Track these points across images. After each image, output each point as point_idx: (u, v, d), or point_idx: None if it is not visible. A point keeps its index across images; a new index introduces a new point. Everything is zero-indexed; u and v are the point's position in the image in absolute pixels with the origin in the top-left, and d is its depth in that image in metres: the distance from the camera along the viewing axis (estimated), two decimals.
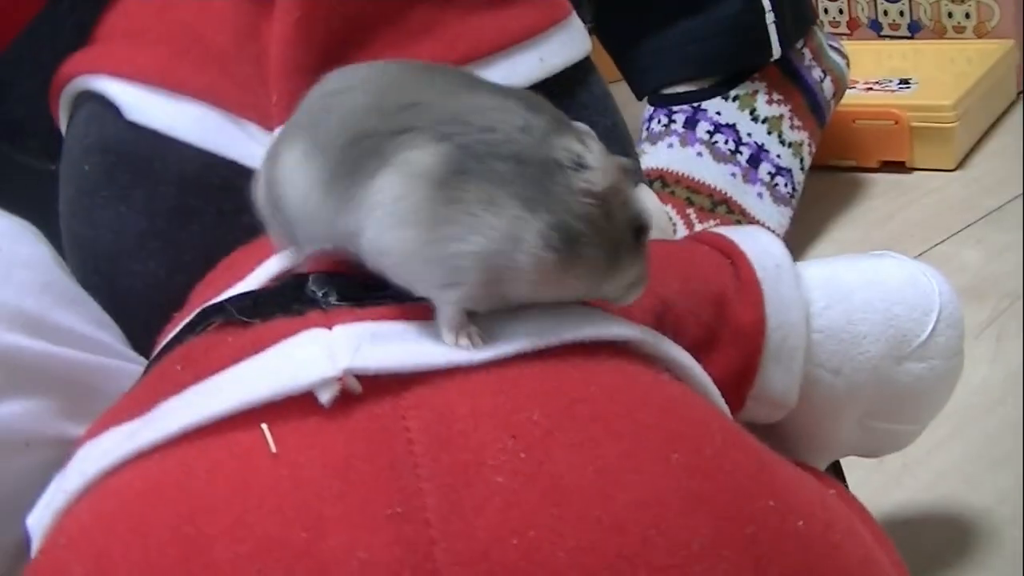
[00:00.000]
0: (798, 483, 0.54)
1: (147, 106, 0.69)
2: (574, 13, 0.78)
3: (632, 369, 0.53)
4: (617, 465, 0.47)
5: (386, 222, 0.51)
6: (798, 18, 1.38)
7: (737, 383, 0.66)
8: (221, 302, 0.57)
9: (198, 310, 0.58)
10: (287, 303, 0.53)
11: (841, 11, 1.98)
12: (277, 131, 0.65)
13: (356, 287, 0.54)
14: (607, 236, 0.52)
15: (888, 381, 0.71)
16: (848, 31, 1.98)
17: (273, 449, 0.47)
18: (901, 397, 0.72)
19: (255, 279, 0.59)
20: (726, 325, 0.65)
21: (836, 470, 0.81)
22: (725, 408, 0.59)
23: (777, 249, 0.69)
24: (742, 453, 0.51)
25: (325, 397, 0.48)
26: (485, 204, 0.50)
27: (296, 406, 0.48)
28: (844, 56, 1.49)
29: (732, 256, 0.67)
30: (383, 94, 0.54)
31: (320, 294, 0.54)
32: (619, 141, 0.77)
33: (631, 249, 0.54)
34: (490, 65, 0.70)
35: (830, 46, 1.47)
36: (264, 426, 0.48)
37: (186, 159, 0.67)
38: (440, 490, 0.45)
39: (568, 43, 0.75)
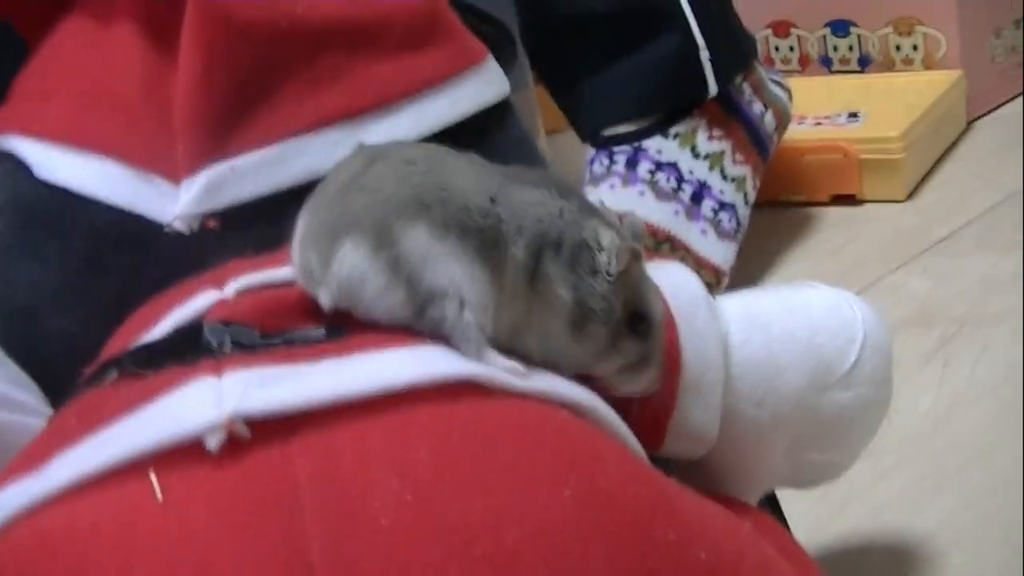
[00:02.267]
0: (704, 514, 0.54)
1: (55, 163, 0.69)
2: (490, 57, 0.78)
3: (527, 407, 0.52)
4: (507, 501, 0.47)
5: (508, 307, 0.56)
6: (736, 54, 1.38)
7: (655, 419, 0.65)
8: (118, 355, 0.57)
9: (97, 365, 0.58)
10: (181, 353, 0.53)
11: (792, 48, 1.99)
12: (186, 183, 0.65)
13: (252, 335, 0.54)
14: (613, 318, 0.58)
15: (813, 412, 0.70)
16: (800, 68, 1.99)
17: (160, 497, 0.47)
18: (828, 427, 0.71)
19: (160, 330, 0.59)
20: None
21: (772, 502, 0.80)
22: (636, 446, 0.59)
23: (692, 283, 0.69)
24: (640, 485, 0.51)
25: (212, 443, 0.47)
26: (547, 284, 0.56)
27: (185, 454, 0.48)
28: (786, 89, 1.50)
29: None
30: (470, 177, 0.57)
31: (215, 343, 0.53)
32: None
33: (625, 332, 0.59)
34: (399, 111, 0.70)
35: (771, 80, 1.47)
36: (152, 474, 0.47)
37: (95, 215, 0.67)
38: (325, 534, 0.45)
39: (481, 88, 0.75)
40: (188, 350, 0.53)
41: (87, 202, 0.67)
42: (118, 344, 0.62)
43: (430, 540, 0.45)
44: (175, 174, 0.66)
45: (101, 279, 0.67)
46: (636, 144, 1.34)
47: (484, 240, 0.54)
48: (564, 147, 1.66)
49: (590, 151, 1.38)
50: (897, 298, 1.32)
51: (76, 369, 0.63)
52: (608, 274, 0.57)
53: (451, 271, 0.53)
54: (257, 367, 0.51)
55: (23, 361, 0.71)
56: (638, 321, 0.59)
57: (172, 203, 0.65)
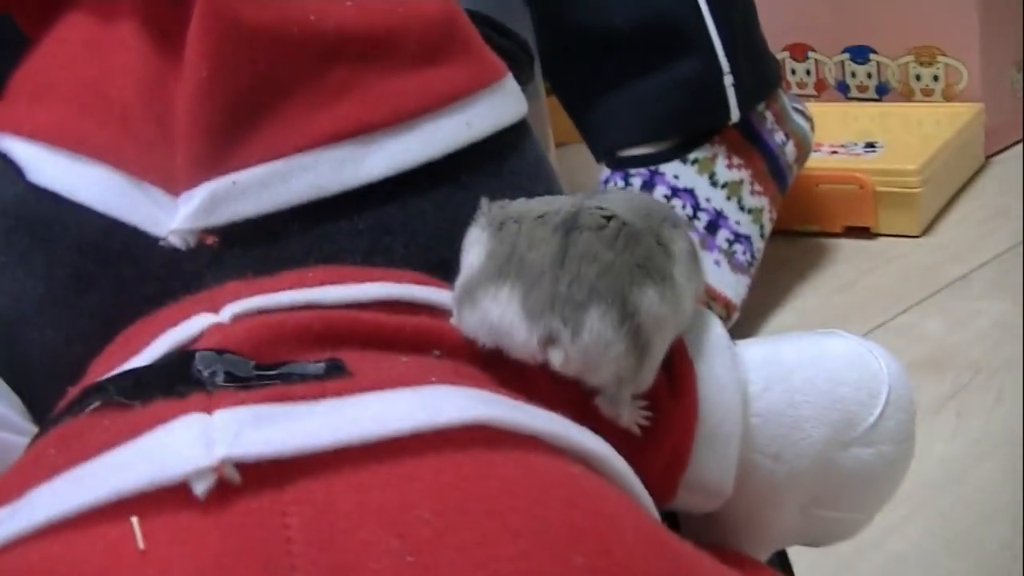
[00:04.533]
0: None
1: (47, 167, 0.65)
2: (509, 75, 0.74)
3: (537, 460, 0.49)
4: (512, 568, 0.43)
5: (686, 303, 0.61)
6: (760, 80, 1.35)
7: (668, 470, 0.62)
8: (102, 381, 0.53)
9: (80, 389, 0.54)
10: (170, 384, 0.50)
11: (808, 72, 1.96)
12: (185, 196, 0.62)
13: (246, 366, 0.50)
14: None
15: (832, 467, 0.67)
16: (816, 92, 1.96)
17: (141, 545, 0.43)
18: (847, 484, 0.68)
19: (149, 354, 0.56)
20: (656, 410, 0.61)
21: (781, 558, 0.77)
22: (648, 501, 0.55)
23: (714, 327, 0.66)
24: (656, 554, 0.48)
25: (200, 488, 0.44)
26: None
27: (171, 497, 0.44)
28: (808, 119, 1.47)
29: None
30: (631, 220, 0.59)
31: (207, 374, 0.50)
32: None
33: None
34: (413, 128, 0.66)
35: (794, 108, 1.44)
36: (133, 520, 0.44)
37: (85, 223, 0.63)
38: None
39: (499, 107, 0.71)
40: (178, 380, 0.50)
41: (78, 210, 0.64)
42: (105, 365, 0.58)
43: None
44: (173, 185, 0.62)
45: (89, 292, 0.64)
46: (653, 168, 1.31)
47: (669, 276, 0.58)
48: (574, 159, 1.63)
49: (605, 171, 1.35)
50: (909, 340, 1.29)
51: (60, 384, 0.60)
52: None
53: (667, 333, 0.58)
54: (251, 405, 0.47)
55: (4, 372, 0.68)
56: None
57: (169, 216, 0.61)
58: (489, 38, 0.77)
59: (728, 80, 1.30)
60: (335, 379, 0.50)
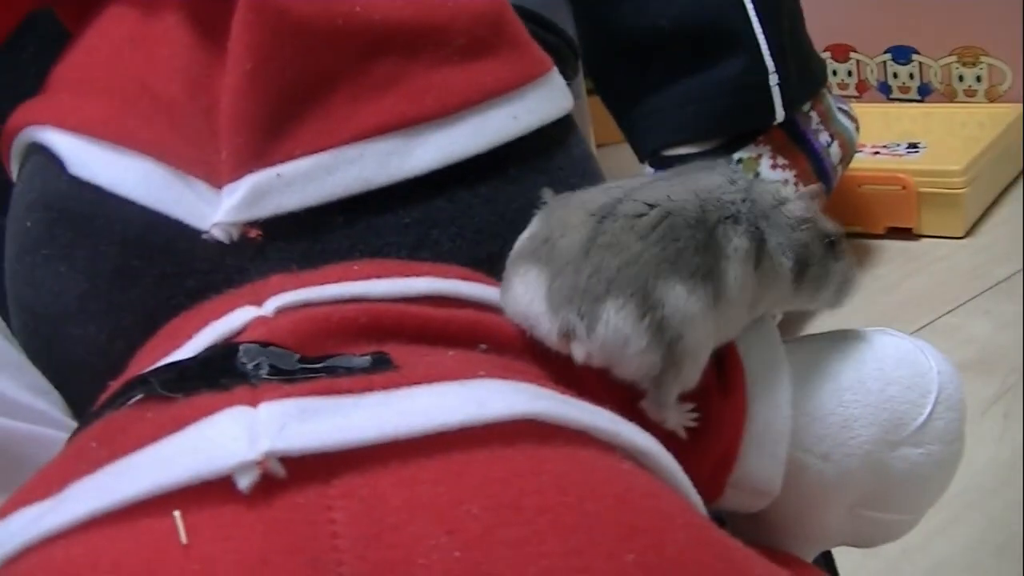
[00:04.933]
0: None
1: (90, 160, 0.65)
2: (555, 69, 0.74)
3: (587, 456, 0.48)
4: (563, 565, 0.43)
5: (735, 308, 0.59)
6: (805, 80, 1.34)
7: (716, 470, 0.62)
8: (145, 374, 0.52)
9: (122, 382, 0.53)
10: (214, 377, 0.49)
11: (850, 73, 1.95)
12: (228, 188, 0.61)
13: (291, 359, 0.50)
14: (818, 254, 0.62)
15: (881, 468, 0.66)
16: (857, 93, 1.94)
17: (184, 539, 0.42)
18: (895, 485, 0.67)
19: (192, 347, 0.55)
20: (705, 410, 0.60)
21: (827, 560, 0.76)
22: (696, 499, 0.55)
23: (764, 326, 0.65)
24: (707, 551, 0.47)
25: (244, 483, 0.43)
26: (770, 261, 0.60)
27: (215, 491, 0.44)
28: (854, 120, 1.45)
29: None
30: (681, 205, 0.58)
31: (251, 367, 0.49)
32: None
33: (831, 259, 0.64)
34: (459, 121, 0.65)
35: (839, 109, 1.43)
36: (176, 514, 0.43)
37: (129, 217, 0.63)
38: None
39: (546, 101, 0.71)
40: (222, 373, 0.49)
41: (121, 203, 0.63)
42: (147, 359, 0.58)
43: None
44: (217, 178, 0.62)
45: (132, 287, 0.63)
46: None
47: (716, 277, 0.57)
48: (616, 160, 1.62)
49: (648, 170, 1.34)
50: (955, 341, 1.28)
51: (102, 380, 0.59)
52: (803, 221, 0.61)
53: (703, 331, 0.56)
54: (296, 398, 0.46)
55: (46, 368, 0.68)
56: (834, 242, 0.64)
57: (212, 209, 0.61)
58: (534, 33, 0.76)
59: (773, 80, 1.29)
60: (382, 372, 0.49)
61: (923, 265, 1.50)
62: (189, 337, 0.56)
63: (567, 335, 0.56)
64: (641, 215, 0.57)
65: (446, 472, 0.45)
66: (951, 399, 0.68)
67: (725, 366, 0.62)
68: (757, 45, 1.28)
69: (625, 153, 1.42)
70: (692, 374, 0.57)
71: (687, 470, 0.56)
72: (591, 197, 0.59)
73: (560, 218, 0.59)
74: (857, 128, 1.45)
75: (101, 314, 0.64)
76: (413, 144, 0.63)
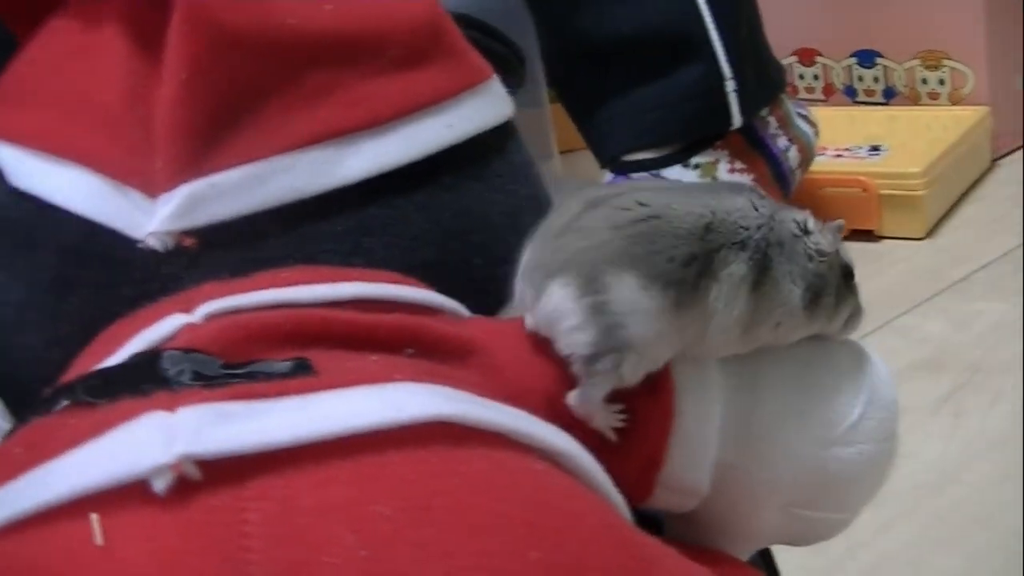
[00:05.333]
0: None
1: (29, 171, 0.66)
2: (494, 78, 0.75)
3: (502, 457, 0.49)
4: (468, 564, 0.44)
5: (719, 328, 0.61)
6: (764, 86, 1.35)
7: (644, 469, 0.62)
8: (71, 381, 0.53)
9: (51, 389, 0.54)
10: (136, 383, 0.50)
11: (816, 77, 1.96)
12: (163, 198, 0.62)
13: (214, 365, 0.51)
14: (833, 284, 0.64)
15: (813, 467, 0.67)
16: (824, 97, 1.96)
17: (99, 541, 0.44)
18: (828, 484, 0.68)
19: (122, 355, 0.56)
20: (632, 409, 0.61)
21: (765, 558, 0.77)
22: (617, 499, 0.56)
23: None
24: (617, 550, 0.48)
25: (159, 485, 0.44)
26: (775, 288, 0.61)
27: (132, 495, 0.45)
28: (813, 124, 1.47)
29: None
30: (680, 217, 0.60)
31: (173, 373, 0.50)
32: (538, 212, 0.73)
33: (845, 291, 0.65)
34: (393, 130, 0.66)
35: (799, 114, 1.44)
36: (94, 516, 0.44)
37: (67, 227, 0.64)
38: None
39: (483, 109, 0.71)
40: (144, 380, 0.50)
41: (59, 213, 0.64)
42: (81, 367, 0.59)
43: None
44: (153, 188, 0.62)
45: (70, 296, 0.64)
46: (655, 172, 1.31)
47: (684, 289, 0.58)
48: (578, 166, 1.63)
49: (608, 175, 1.35)
50: (911, 340, 1.29)
51: (39, 388, 0.60)
52: (823, 254, 0.63)
53: (648, 327, 0.57)
54: (213, 403, 0.47)
55: None
56: (850, 276, 0.66)
57: (148, 218, 0.61)
58: (478, 42, 0.77)
59: (730, 86, 1.31)
60: (300, 377, 0.50)
61: (883, 266, 1.51)
62: (121, 345, 0.57)
63: (522, 304, 0.60)
64: (626, 210, 0.59)
65: (359, 474, 0.46)
66: (883, 398, 0.69)
67: None
68: (714, 53, 1.29)
69: (588, 159, 1.43)
70: (634, 369, 0.59)
71: (612, 471, 0.57)
72: (599, 190, 0.63)
73: (565, 203, 0.62)
74: (816, 133, 1.47)
75: (39, 323, 0.65)
76: (346, 153, 0.64)
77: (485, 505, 0.46)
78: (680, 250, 0.58)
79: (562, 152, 1.75)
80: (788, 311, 0.62)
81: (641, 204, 0.60)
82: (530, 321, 0.60)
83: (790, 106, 1.45)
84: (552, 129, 1.67)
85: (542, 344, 0.60)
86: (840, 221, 0.65)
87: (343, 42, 0.66)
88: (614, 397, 0.60)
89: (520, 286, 0.61)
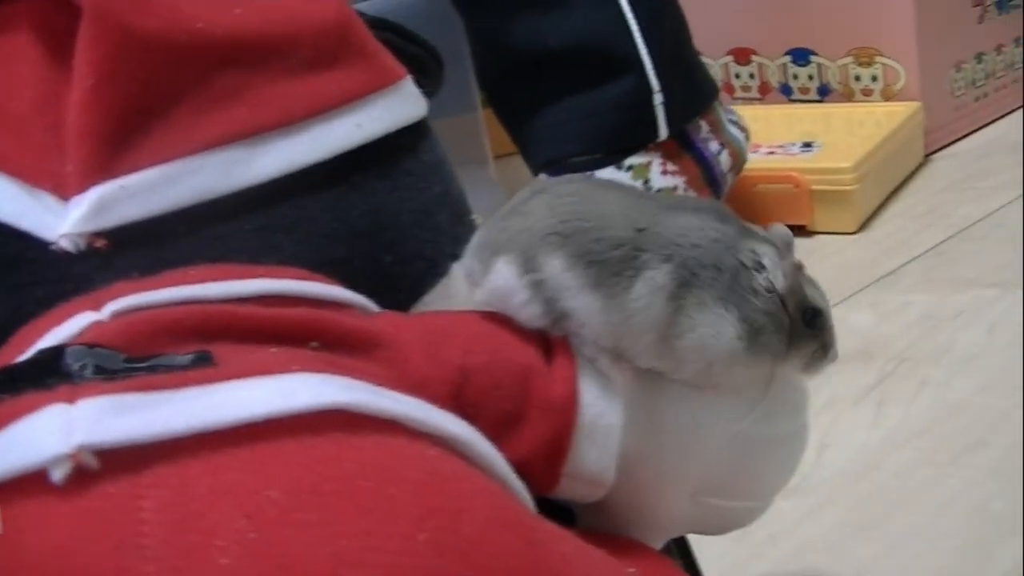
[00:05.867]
0: (579, 561, 0.52)
1: None
2: (407, 79, 0.76)
3: (394, 443, 0.51)
4: (356, 544, 0.45)
5: (637, 326, 0.62)
6: (693, 98, 1.38)
7: (548, 459, 0.63)
8: None
9: None
10: (40, 377, 0.51)
11: (752, 76, 1.98)
12: (75, 200, 0.63)
13: (117, 359, 0.52)
14: (784, 324, 0.64)
15: (721, 455, 0.68)
16: (760, 95, 1.98)
17: None
18: (737, 472, 0.69)
19: (31, 354, 0.57)
20: (533, 399, 0.62)
21: (680, 546, 0.78)
22: (516, 484, 0.57)
23: None
24: (508, 531, 0.49)
25: (57, 475, 0.46)
26: (698, 307, 0.62)
27: (32, 485, 0.46)
28: (744, 129, 1.49)
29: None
30: (616, 209, 0.63)
31: (76, 367, 0.51)
32: (449, 210, 0.75)
33: (805, 332, 0.66)
34: (302, 131, 0.67)
35: (730, 120, 1.47)
36: None
37: None
38: (162, 572, 0.43)
39: (393, 109, 0.73)
40: (48, 374, 0.51)
41: None
42: None
43: None
44: (64, 191, 0.64)
45: None
46: (588, 173, 1.33)
47: (605, 270, 0.61)
48: (513, 171, 1.64)
49: (542, 177, 1.37)
50: (838, 332, 1.30)
51: None
52: (770, 291, 0.63)
53: (576, 299, 0.61)
54: (113, 395, 0.49)
55: None
56: (813, 316, 0.66)
57: (60, 221, 0.63)
58: (393, 44, 0.78)
59: (658, 99, 1.34)
60: (199, 369, 0.52)
61: (815, 261, 1.53)
62: (32, 344, 0.58)
63: (471, 279, 0.64)
64: (566, 196, 0.63)
65: (252, 460, 0.47)
66: (793, 386, 0.70)
67: (556, 355, 0.64)
68: (643, 66, 1.32)
69: (523, 164, 1.45)
70: (593, 333, 0.63)
71: (516, 460, 0.59)
72: (552, 180, 0.66)
73: (520, 192, 0.66)
74: (747, 138, 1.49)
75: None
76: (255, 153, 0.65)
77: (374, 488, 0.47)
78: (609, 233, 0.61)
79: (496, 157, 1.76)
80: (716, 338, 0.63)
81: (581, 194, 0.63)
82: (480, 295, 0.64)
83: (721, 112, 1.47)
84: (486, 134, 1.68)
85: (445, 337, 0.62)
86: (796, 261, 0.66)
87: (252, 45, 0.68)
88: (505, 382, 0.62)
89: (470, 262, 0.65)
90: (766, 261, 0.63)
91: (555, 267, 0.61)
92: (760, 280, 0.63)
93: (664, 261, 0.61)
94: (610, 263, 0.61)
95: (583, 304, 0.62)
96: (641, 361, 0.64)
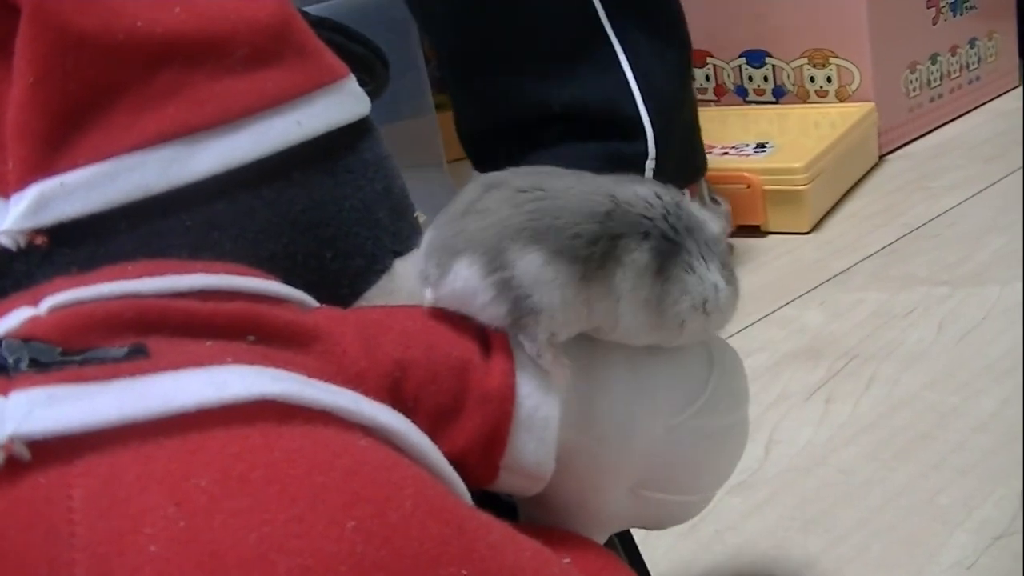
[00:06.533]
0: (509, 550, 0.53)
1: None
2: (349, 77, 0.76)
3: (324, 433, 0.51)
4: (283, 531, 0.46)
5: (630, 307, 0.63)
6: (683, 170, 1.40)
7: (486, 451, 0.64)
8: None
9: None
10: None
11: (708, 78, 1.99)
12: (15, 197, 0.63)
13: (51, 352, 0.52)
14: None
15: (660, 448, 0.69)
16: (715, 97, 1.99)
17: None
18: (676, 465, 0.70)
19: None
20: (470, 392, 0.63)
21: (624, 541, 0.79)
22: (450, 475, 0.57)
23: None
24: (436, 519, 0.50)
25: None
26: (685, 270, 0.64)
27: None
28: (723, 209, 1.52)
29: None
30: (580, 199, 0.63)
31: (11, 360, 0.52)
32: (390, 206, 0.76)
33: (732, 285, 0.69)
34: (241, 128, 0.68)
35: (712, 198, 1.50)
36: None
37: None
38: (91, 560, 0.44)
39: (334, 107, 0.73)
40: None
41: None
42: None
43: (197, 570, 0.44)
44: (5, 188, 0.64)
45: None
46: (533, 167, 1.35)
47: (590, 265, 0.62)
48: (468, 175, 1.65)
49: None
50: (789, 331, 1.32)
51: None
52: (721, 253, 0.66)
53: (554, 296, 0.61)
54: (45, 386, 0.49)
55: None
56: (731, 272, 0.68)
57: (0, 218, 0.63)
58: (338, 43, 0.78)
59: (650, 164, 1.35)
60: (132, 361, 0.52)
61: (768, 260, 1.54)
62: None
63: (424, 281, 0.64)
64: (524, 191, 0.63)
65: (182, 450, 0.48)
66: (731, 381, 0.71)
67: (494, 349, 0.64)
68: (645, 133, 1.34)
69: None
70: (553, 327, 0.63)
71: (452, 453, 0.59)
72: (499, 174, 0.67)
73: (465, 188, 0.66)
74: (727, 219, 1.52)
75: None
76: (194, 151, 0.66)
77: (303, 477, 0.48)
78: (584, 227, 0.61)
79: (451, 161, 1.77)
80: (713, 290, 0.66)
81: (538, 188, 0.63)
82: (431, 296, 0.64)
83: (706, 188, 1.50)
84: (440, 136, 1.69)
85: (383, 331, 0.62)
86: (722, 208, 0.69)
87: (191, 43, 0.68)
88: (441, 372, 0.63)
89: (423, 265, 0.64)
90: (716, 229, 0.67)
91: (531, 263, 0.61)
92: (715, 243, 0.66)
93: (642, 239, 0.63)
94: (593, 259, 0.62)
95: (564, 298, 0.62)
96: (640, 339, 0.66)
